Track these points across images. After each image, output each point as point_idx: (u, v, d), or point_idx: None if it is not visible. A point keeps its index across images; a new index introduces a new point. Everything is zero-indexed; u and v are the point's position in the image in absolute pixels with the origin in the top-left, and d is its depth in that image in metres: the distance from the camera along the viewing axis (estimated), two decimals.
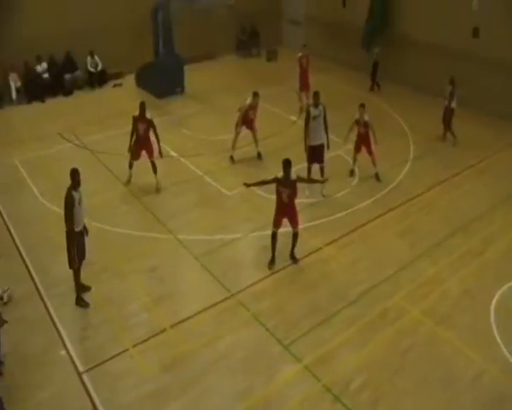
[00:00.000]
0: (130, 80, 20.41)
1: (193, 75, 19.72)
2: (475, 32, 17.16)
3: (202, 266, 10.06)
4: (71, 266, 8.87)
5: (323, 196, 12.27)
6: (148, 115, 12.28)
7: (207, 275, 9.81)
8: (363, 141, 12.92)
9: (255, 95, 13.95)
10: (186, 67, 19.45)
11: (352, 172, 13.30)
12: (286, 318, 8.86)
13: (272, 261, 10.16)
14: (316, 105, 12.13)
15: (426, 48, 18.50)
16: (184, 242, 10.77)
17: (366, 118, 12.71)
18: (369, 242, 10.78)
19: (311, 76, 16.99)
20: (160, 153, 12.48)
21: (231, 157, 14.11)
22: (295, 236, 10.17)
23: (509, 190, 12.62)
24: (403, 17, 19.53)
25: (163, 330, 8.57)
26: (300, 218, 10.20)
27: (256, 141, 14.19)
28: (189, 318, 8.82)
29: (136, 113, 12.23)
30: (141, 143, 12.33)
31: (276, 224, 10.07)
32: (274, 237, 10.10)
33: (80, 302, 9.12)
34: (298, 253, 10.31)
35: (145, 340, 8.39)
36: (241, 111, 13.98)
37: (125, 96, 19.26)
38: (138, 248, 10.64)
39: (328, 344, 8.29)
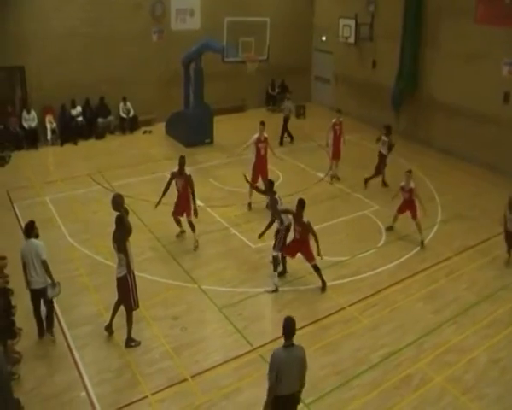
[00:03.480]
0: (160, 128, 20.90)
1: (222, 127, 20.15)
2: (506, 97, 17.26)
3: (225, 317, 10.04)
4: (136, 307, 9.21)
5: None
6: (187, 172, 12.19)
7: (230, 327, 9.77)
8: (408, 206, 12.90)
9: (261, 124, 14.36)
10: (215, 119, 19.85)
11: (389, 228, 13.40)
12: (307, 376, 8.66)
13: (282, 272, 11.29)
14: None
15: (454, 110, 18.66)
16: (208, 292, 10.79)
17: (412, 185, 12.72)
18: (392, 305, 10.64)
19: (343, 144, 16.46)
20: (195, 212, 12.15)
21: (249, 204, 14.29)
22: (315, 268, 10.88)
23: None
24: (431, 79, 19.82)
25: (183, 380, 8.51)
26: (325, 274, 10.23)
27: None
28: (210, 369, 8.76)
29: (176, 168, 12.12)
30: (181, 200, 12.21)
31: (288, 251, 11.08)
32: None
33: (131, 343, 9.21)
34: (321, 311, 10.31)
35: (165, 388, 8.33)
36: (249, 143, 14.33)
37: (154, 142, 19.75)
38: (162, 295, 10.68)
39: (349, 407, 8.14)
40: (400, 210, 13.07)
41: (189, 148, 18.93)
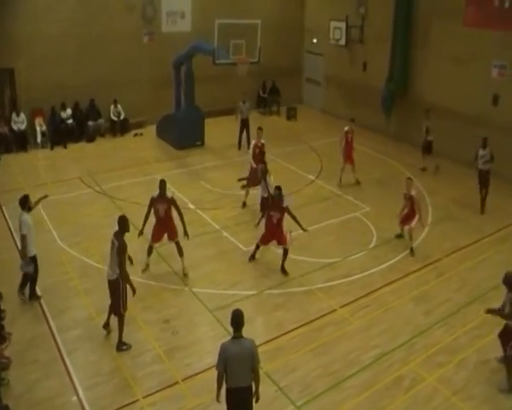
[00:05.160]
0: (150, 130, 20.84)
1: (213, 129, 20.11)
2: (495, 100, 17.33)
3: (216, 320, 10.00)
4: (124, 311, 9.12)
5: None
6: (169, 194, 11.22)
7: (221, 329, 9.70)
8: (409, 216, 12.45)
9: (258, 129, 14.89)
10: (206, 121, 19.81)
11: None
12: (299, 378, 8.73)
13: (252, 257, 11.88)
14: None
15: (444, 112, 18.59)
16: (199, 295, 10.76)
17: (413, 193, 12.38)
18: (384, 306, 10.66)
19: (354, 150, 16.40)
20: (186, 234, 11.15)
21: (244, 203, 14.54)
22: (285, 251, 11.37)
23: None
24: (422, 81, 19.87)
25: (175, 383, 8.48)
26: (316, 276, 10.22)
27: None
28: (201, 372, 8.72)
29: (156, 192, 11.01)
30: (162, 224, 11.15)
31: (263, 241, 11.57)
32: (258, 247, 11.73)
33: (122, 347, 9.16)
34: (312, 313, 10.31)
35: (156, 391, 8.30)
36: (251, 152, 14.81)
37: (145, 145, 19.71)
38: (153, 298, 10.63)
39: (341, 408, 8.13)
40: (403, 222, 12.66)
41: (180, 150, 18.94)
